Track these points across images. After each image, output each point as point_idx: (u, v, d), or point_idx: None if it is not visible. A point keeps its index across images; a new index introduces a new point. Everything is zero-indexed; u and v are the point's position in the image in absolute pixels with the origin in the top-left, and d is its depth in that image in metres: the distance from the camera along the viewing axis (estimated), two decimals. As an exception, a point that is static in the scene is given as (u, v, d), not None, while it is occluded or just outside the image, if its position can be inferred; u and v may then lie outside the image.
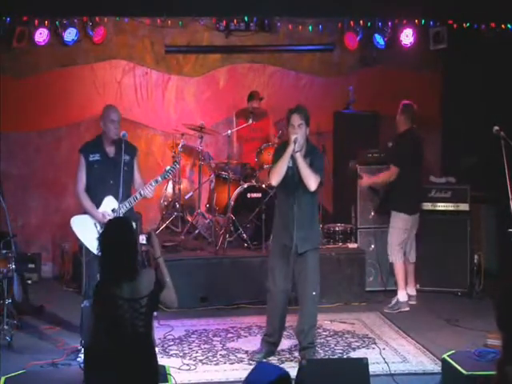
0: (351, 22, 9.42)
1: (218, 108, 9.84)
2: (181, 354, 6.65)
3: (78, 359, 6.29)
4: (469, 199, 8.57)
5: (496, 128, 6.53)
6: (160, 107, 9.81)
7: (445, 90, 9.98)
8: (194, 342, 7.00)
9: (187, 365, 6.39)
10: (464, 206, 8.57)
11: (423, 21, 9.30)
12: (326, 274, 7.79)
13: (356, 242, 8.62)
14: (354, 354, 6.63)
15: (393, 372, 6.11)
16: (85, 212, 6.53)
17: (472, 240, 8.60)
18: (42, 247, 9.45)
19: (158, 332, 6.97)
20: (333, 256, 8.30)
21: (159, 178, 6.58)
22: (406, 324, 7.47)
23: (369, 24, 9.42)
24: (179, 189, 9.12)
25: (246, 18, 9.52)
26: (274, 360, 6.47)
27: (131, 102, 9.66)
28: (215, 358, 6.58)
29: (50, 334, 7.18)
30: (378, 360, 6.40)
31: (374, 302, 8.20)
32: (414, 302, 8.13)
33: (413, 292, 8.16)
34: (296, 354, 6.58)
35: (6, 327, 6.79)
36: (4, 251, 7.05)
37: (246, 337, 7.16)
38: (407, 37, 9.37)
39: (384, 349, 6.76)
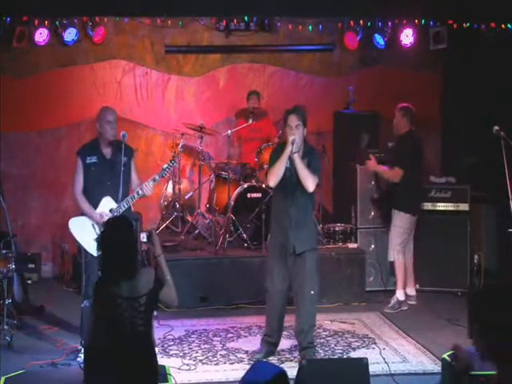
0: (351, 22, 9.42)
1: (217, 108, 9.84)
2: (181, 354, 6.65)
3: (78, 359, 6.30)
4: (469, 199, 8.57)
5: (496, 128, 6.53)
6: (160, 107, 9.81)
7: (445, 90, 9.99)
8: (193, 342, 7.00)
9: (187, 365, 6.39)
10: (464, 206, 8.57)
11: (423, 21, 9.30)
12: (325, 274, 7.82)
13: (356, 241, 8.62)
14: (354, 354, 6.64)
15: (393, 372, 6.12)
16: (82, 214, 6.54)
17: (472, 240, 8.60)
18: (42, 247, 9.45)
19: (158, 332, 6.97)
20: (333, 256, 8.31)
21: (157, 177, 6.59)
22: (406, 324, 7.48)
23: (369, 24, 9.42)
24: (179, 189, 9.12)
25: (245, 18, 9.51)
26: (273, 360, 6.46)
27: (131, 101, 9.66)
28: (215, 358, 6.58)
29: (49, 334, 7.18)
30: (378, 360, 6.40)
31: (374, 302, 8.20)
32: (413, 302, 8.13)
33: (412, 292, 8.16)
34: (296, 354, 6.58)
35: (6, 327, 6.79)
36: (4, 251, 7.05)
37: (245, 337, 7.16)
38: (407, 37, 9.37)
39: (384, 349, 6.77)
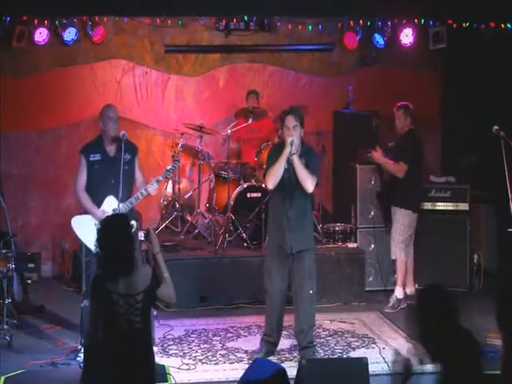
0: (351, 22, 9.42)
1: (217, 108, 9.84)
2: (180, 354, 6.65)
3: (78, 359, 6.30)
4: (468, 199, 8.57)
5: (496, 128, 6.53)
6: (160, 107, 9.81)
7: (445, 89, 9.99)
8: (193, 341, 7.00)
9: (187, 364, 6.39)
10: (464, 206, 8.57)
11: (423, 20, 9.30)
12: (325, 274, 7.82)
13: (356, 241, 8.61)
14: (353, 354, 6.64)
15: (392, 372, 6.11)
16: (85, 212, 6.53)
17: (472, 240, 8.60)
18: (42, 247, 9.44)
19: (158, 332, 6.97)
20: (332, 256, 8.31)
21: (160, 178, 6.60)
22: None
23: (368, 24, 9.42)
24: (179, 188, 9.12)
25: (245, 18, 9.51)
26: (273, 360, 6.43)
27: (131, 101, 9.65)
28: (215, 358, 6.58)
29: (49, 333, 7.19)
30: (377, 360, 6.41)
31: (374, 302, 8.20)
32: (413, 302, 8.12)
33: (412, 291, 8.16)
34: (295, 353, 6.59)
35: (5, 327, 6.79)
36: (4, 251, 7.06)
37: (245, 336, 7.16)
38: (407, 36, 9.37)
39: (384, 348, 6.77)
